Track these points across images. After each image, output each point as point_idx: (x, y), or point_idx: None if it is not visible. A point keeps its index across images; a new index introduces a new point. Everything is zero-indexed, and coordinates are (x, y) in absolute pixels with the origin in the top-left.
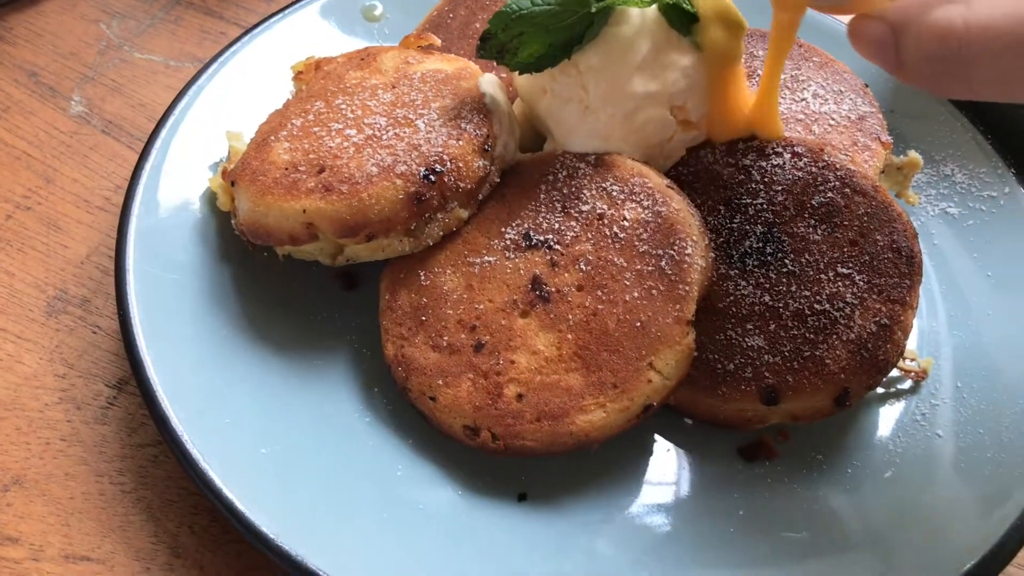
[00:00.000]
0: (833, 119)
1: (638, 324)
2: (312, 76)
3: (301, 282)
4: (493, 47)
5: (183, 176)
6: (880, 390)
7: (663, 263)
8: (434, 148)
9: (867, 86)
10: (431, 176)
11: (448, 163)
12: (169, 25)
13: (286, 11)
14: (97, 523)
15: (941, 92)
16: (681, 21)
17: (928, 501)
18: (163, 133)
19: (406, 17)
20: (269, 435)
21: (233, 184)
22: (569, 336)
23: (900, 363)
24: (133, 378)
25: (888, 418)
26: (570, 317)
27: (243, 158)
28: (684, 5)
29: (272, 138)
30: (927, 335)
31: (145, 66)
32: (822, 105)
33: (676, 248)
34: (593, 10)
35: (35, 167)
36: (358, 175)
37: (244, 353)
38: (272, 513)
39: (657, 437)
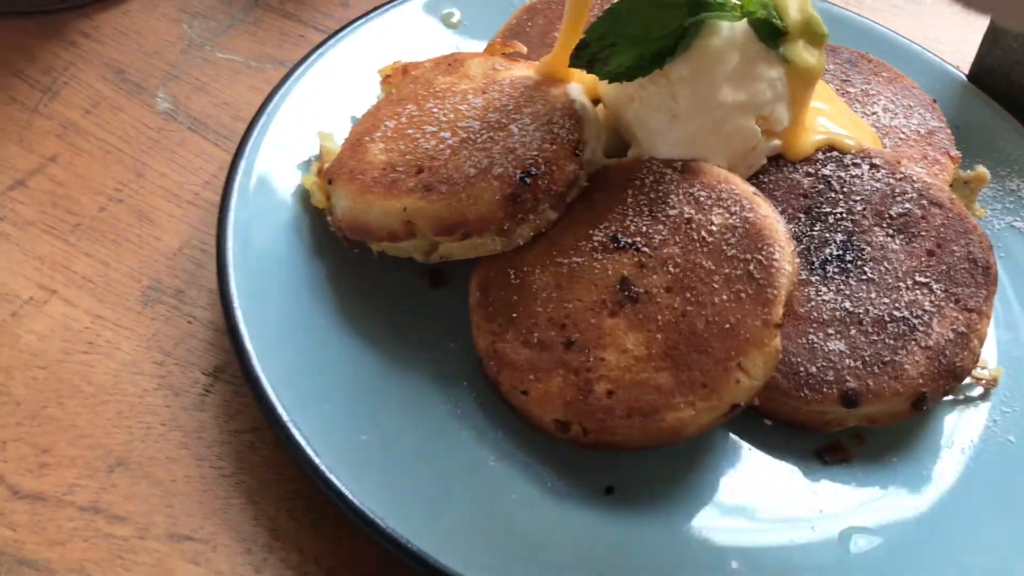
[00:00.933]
0: (903, 133)
1: (727, 326)
2: (400, 80)
3: (391, 279)
4: (585, 56)
5: (276, 173)
6: (952, 397)
7: (751, 267)
8: (529, 151)
9: (935, 101)
10: (527, 179)
11: (543, 166)
12: (249, 26)
13: (370, 15)
14: (199, 505)
15: None
16: (770, 35)
17: (1000, 506)
18: (256, 130)
19: (483, 24)
20: (368, 423)
21: (330, 182)
22: (658, 336)
23: (973, 371)
24: (228, 367)
25: (961, 424)
26: (659, 318)
27: (339, 157)
28: (773, 20)
29: (367, 139)
30: (1001, 345)
31: (227, 66)
32: (892, 119)
33: (764, 253)
34: (686, 24)
35: (125, 161)
36: (456, 176)
37: (339, 344)
38: (375, 496)
39: (739, 436)
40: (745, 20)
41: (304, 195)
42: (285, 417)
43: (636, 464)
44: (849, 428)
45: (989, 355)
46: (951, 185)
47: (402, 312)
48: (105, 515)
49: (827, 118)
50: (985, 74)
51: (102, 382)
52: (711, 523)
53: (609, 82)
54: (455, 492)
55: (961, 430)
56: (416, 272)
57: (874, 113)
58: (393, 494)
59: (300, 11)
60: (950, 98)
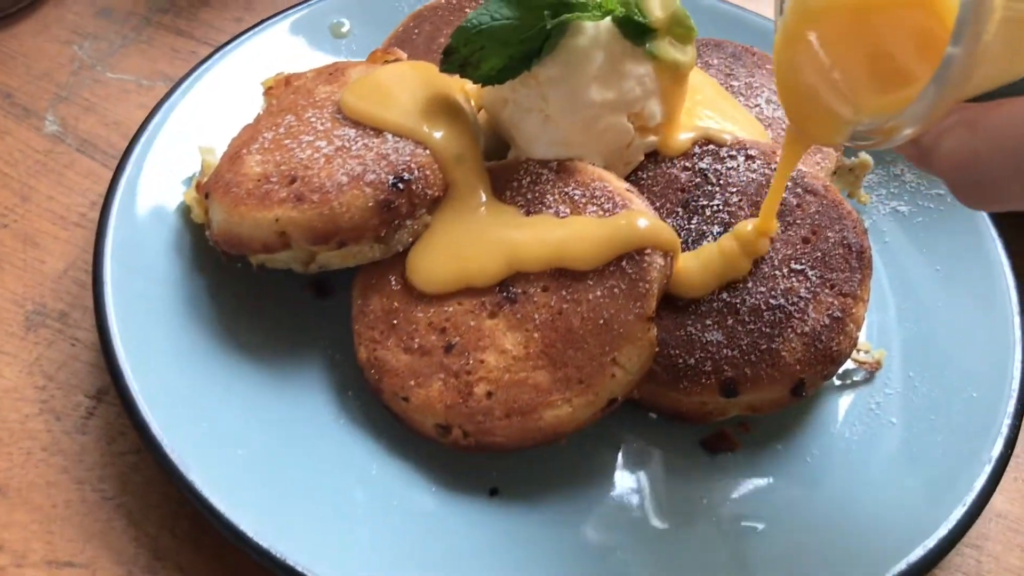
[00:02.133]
0: (785, 123)
1: (601, 322)
2: (282, 91)
3: (274, 292)
4: (455, 61)
5: (158, 190)
6: (836, 381)
7: (624, 263)
8: (402, 157)
9: None
10: (399, 184)
11: (416, 171)
12: (140, 45)
13: (255, 29)
14: (79, 529)
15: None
16: (635, 32)
17: (882, 486)
18: (137, 149)
19: (372, 33)
20: (245, 438)
21: (207, 196)
22: (536, 335)
23: (855, 355)
24: (112, 388)
25: (844, 408)
26: (536, 317)
27: (216, 171)
28: (635, 17)
29: (244, 151)
30: (880, 328)
31: (118, 85)
32: (775, 110)
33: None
34: (548, 25)
35: (11, 185)
36: (328, 184)
37: (220, 361)
38: (250, 512)
39: (622, 431)
40: (609, 19)
41: (186, 211)
42: (160, 437)
43: (520, 464)
44: (734, 418)
45: (872, 339)
46: (835, 173)
47: (286, 325)
48: None
49: (712, 111)
50: None
51: None
52: (598, 519)
53: (482, 86)
54: (337, 504)
55: (845, 414)
56: (301, 284)
57: (757, 105)
58: (271, 509)
59: (192, 28)
60: None
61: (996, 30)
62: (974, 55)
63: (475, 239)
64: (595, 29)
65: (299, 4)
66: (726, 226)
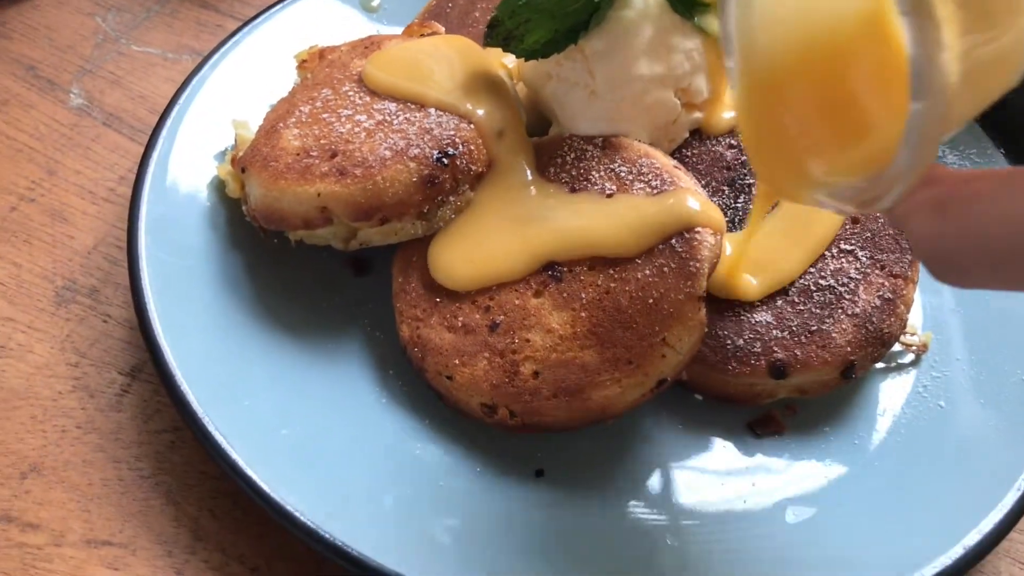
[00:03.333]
0: None
1: (651, 301)
2: (316, 65)
3: (312, 268)
4: (499, 34)
5: (190, 165)
6: (883, 364)
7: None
8: (446, 131)
9: None
10: (444, 159)
11: (460, 146)
12: (165, 18)
13: (286, 2)
14: (117, 508)
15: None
16: (684, 5)
17: (932, 470)
18: (168, 123)
19: (403, 7)
20: (288, 416)
21: (243, 171)
22: (583, 314)
23: (902, 337)
24: (146, 365)
25: (892, 391)
26: (583, 296)
27: (252, 145)
28: None
29: (281, 125)
30: (928, 310)
31: (143, 59)
32: None
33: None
34: (597, 0)
35: (37, 159)
36: (371, 159)
37: (259, 338)
38: (296, 491)
39: (669, 413)
40: None
41: (220, 186)
42: (201, 414)
43: (565, 445)
44: (780, 400)
45: (918, 321)
46: None
47: (325, 302)
48: (18, 523)
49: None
50: None
51: (14, 386)
52: (644, 501)
53: (526, 60)
54: (381, 483)
55: (892, 397)
56: (339, 261)
57: None
58: (316, 488)
59: (217, 1)
60: None
61: (958, 69)
62: (941, 104)
63: (506, 235)
64: (644, 2)
65: None
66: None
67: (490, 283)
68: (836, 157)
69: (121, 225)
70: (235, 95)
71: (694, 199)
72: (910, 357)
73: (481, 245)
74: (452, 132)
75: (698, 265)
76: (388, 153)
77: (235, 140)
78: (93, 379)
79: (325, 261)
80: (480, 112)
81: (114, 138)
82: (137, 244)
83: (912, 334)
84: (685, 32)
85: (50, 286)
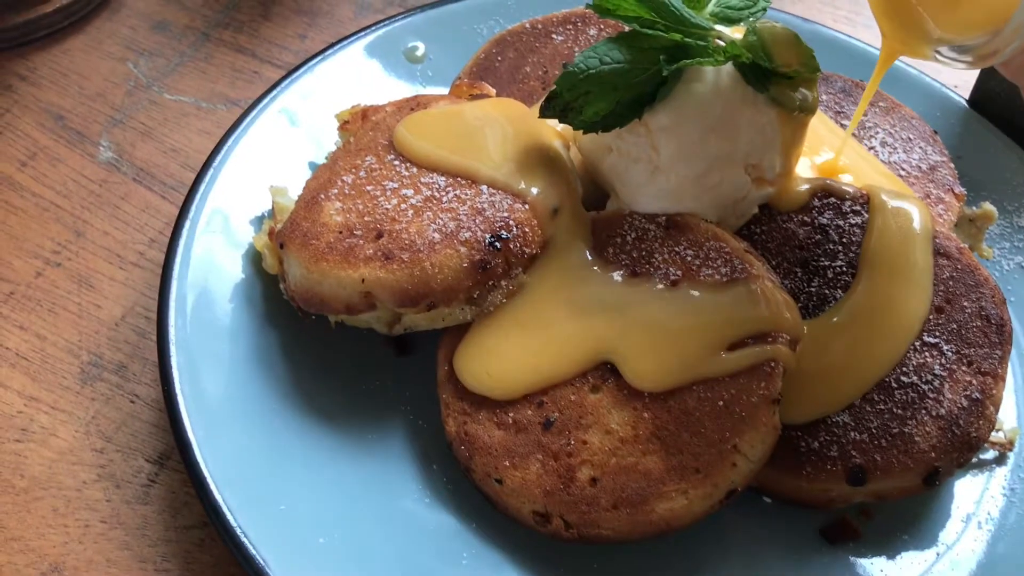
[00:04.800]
0: (904, 169)
1: (721, 403)
2: (359, 126)
3: (352, 348)
4: (557, 106)
5: (224, 234)
6: None
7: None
8: (499, 212)
9: (936, 133)
10: (496, 243)
11: (514, 228)
12: (199, 63)
13: (326, 53)
14: None
15: None
16: (757, 77)
17: None
18: (202, 187)
19: (450, 58)
20: (325, 522)
21: (282, 247)
22: (645, 415)
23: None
24: (175, 452)
25: (976, 493)
26: (646, 394)
27: (292, 218)
28: (761, 62)
29: (322, 196)
30: (1016, 402)
31: (175, 108)
32: (891, 155)
33: None
34: (665, 72)
35: (64, 219)
36: (419, 242)
37: (295, 427)
38: None
39: (734, 516)
40: (730, 63)
41: (256, 257)
42: (233, 522)
43: (624, 555)
44: (855, 504)
45: (1004, 414)
46: (956, 225)
47: (364, 387)
48: None
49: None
50: (987, 99)
51: (36, 475)
52: None
53: (584, 132)
54: None
55: (976, 500)
56: (380, 339)
57: (872, 148)
58: None
59: (254, 45)
60: (951, 126)
61: None
62: None
63: (561, 328)
64: (715, 74)
65: (370, 26)
66: (849, 289)
67: (540, 387)
68: (959, 11)
69: (150, 293)
70: (272, 156)
71: (768, 299)
72: (993, 454)
73: (531, 342)
74: (506, 214)
75: (773, 365)
76: (437, 236)
77: (272, 208)
78: (119, 467)
79: (366, 340)
80: (535, 191)
81: (144, 195)
82: (167, 325)
83: (997, 430)
84: (758, 106)
85: (75, 361)
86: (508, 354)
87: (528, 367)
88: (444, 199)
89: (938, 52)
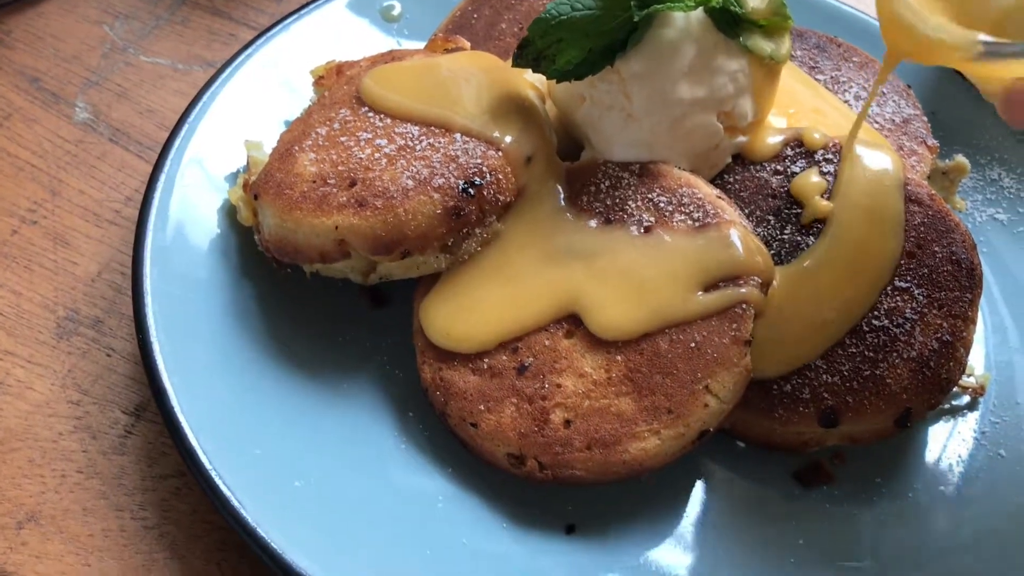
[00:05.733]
0: (877, 122)
1: (692, 345)
2: (334, 81)
3: (328, 300)
4: (530, 55)
5: (200, 188)
6: None
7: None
8: (472, 159)
9: (909, 87)
10: (470, 189)
11: (488, 175)
12: (175, 26)
13: (301, 12)
14: (119, 562)
15: None
16: (729, 23)
17: (996, 523)
18: (177, 142)
19: (425, 16)
20: (302, 466)
21: (256, 198)
22: (618, 358)
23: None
24: (151, 404)
25: (946, 437)
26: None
27: (266, 170)
28: (732, 7)
29: (296, 148)
30: (985, 348)
31: (151, 70)
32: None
33: None
34: (636, 17)
35: (40, 178)
36: (393, 189)
37: (271, 377)
38: (309, 551)
39: (708, 462)
40: (701, 9)
41: (231, 211)
42: (208, 466)
43: (599, 498)
44: (828, 447)
45: (975, 360)
46: (929, 177)
47: (340, 337)
48: None
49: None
50: None
51: (12, 427)
52: (684, 560)
53: (557, 81)
54: (400, 541)
55: (947, 444)
56: (355, 292)
57: (845, 102)
58: (331, 547)
59: (231, 8)
60: (925, 83)
61: None
62: None
63: (533, 278)
64: (686, 20)
65: None
66: (821, 236)
67: (504, 340)
68: None
69: (127, 250)
70: (248, 112)
71: (740, 243)
72: (965, 400)
73: (496, 296)
74: (479, 161)
75: (744, 306)
76: (410, 183)
77: (247, 162)
78: (95, 419)
79: (341, 292)
80: (508, 138)
81: (120, 155)
82: (142, 276)
83: (968, 375)
84: (730, 52)
85: (51, 316)
86: (470, 313)
87: (492, 322)
88: (418, 148)
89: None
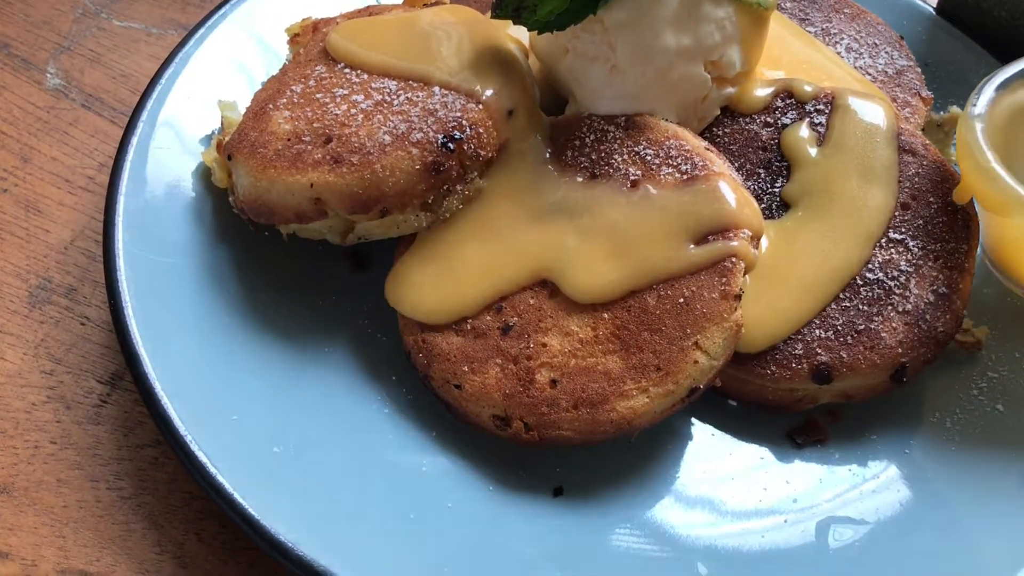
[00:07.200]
0: (869, 74)
1: (681, 300)
2: (310, 39)
3: (307, 263)
4: (510, 5)
5: (173, 151)
6: None
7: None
8: (452, 113)
9: (902, 38)
10: (450, 144)
11: (468, 129)
12: None
13: None
14: (95, 533)
15: None
16: None
17: (995, 480)
18: (149, 104)
19: None
20: (281, 432)
21: (230, 158)
22: (605, 315)
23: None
24: (127, 373)
25: (943, 393)
26: None
27: (240, 129)
28: None
29: (271, 106)
30: (982, 301)
31: (125, 34)
32: (857, 60)
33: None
34: None
35: (10, 146)
36: (369, 144)
37: (249, 342)
38: (289, 519)
39: (700, 421)
40: None
41: (206, 174)
42: (184, 432)
43: (587, 459)
44: (822, 405)
45: (971, 314)
46: (923, 129)
47: (320, 302)
48: None
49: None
50: (954, 6)
51: None
52: (674, 521)
53: (539, 33)
54: (382, 508)
55: (944, 400)
56: (336, 255)
57: (838, 54)
58: (311, 515)
59: None
60: (918, 33)
61: None
62: None
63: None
64: None
65: None
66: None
67: (487, 303)
68: None
69: (100, 217)
70: (222, 73)
71: (729, 195)
72: (962, 355)
73: (485, 250)
74: (459, 114)
75: (733, 260)
76: (388, 138)
77: (221, 123)
78: (70, 388)
79: (320, 255)
80: (488, 91)
81: (94, 121)
82: (114, 241)
83: (965, 329)
84: None
85: (23, 285)
86: (443, 282)
87: (468, 290)
88: (395, 103)
89: None
